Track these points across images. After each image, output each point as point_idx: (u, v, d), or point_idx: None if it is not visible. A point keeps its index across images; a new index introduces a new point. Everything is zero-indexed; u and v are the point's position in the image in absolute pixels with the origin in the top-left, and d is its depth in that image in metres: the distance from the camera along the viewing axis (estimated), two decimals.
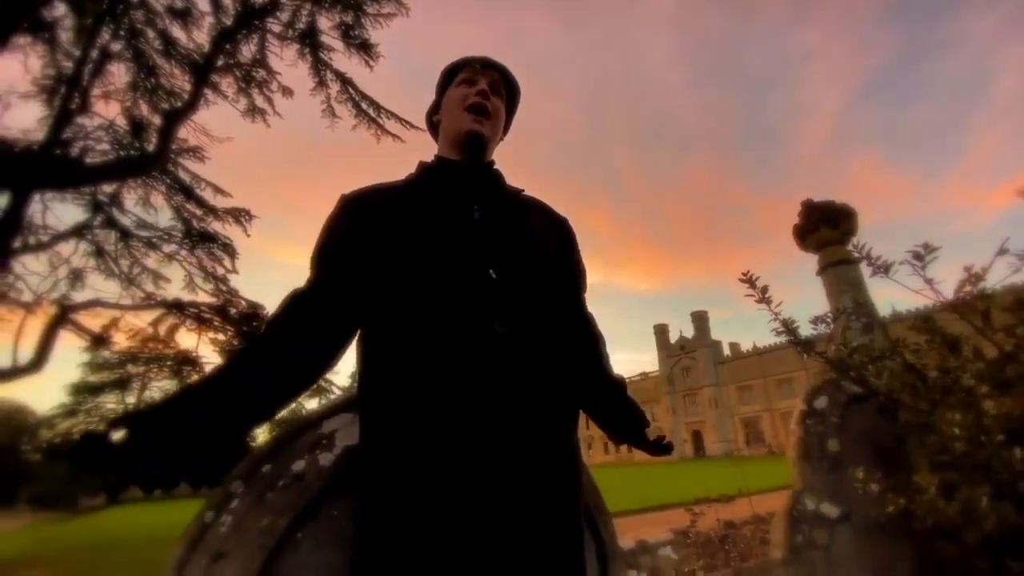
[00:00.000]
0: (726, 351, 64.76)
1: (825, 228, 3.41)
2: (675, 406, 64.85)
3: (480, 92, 1.10)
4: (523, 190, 1.22)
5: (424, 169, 1.13)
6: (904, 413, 2.30)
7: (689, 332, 66.52)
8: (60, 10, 9.37)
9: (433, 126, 1.21)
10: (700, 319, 64.78)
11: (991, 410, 1.77)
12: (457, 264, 0.95)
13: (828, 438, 2.24)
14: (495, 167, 1.19)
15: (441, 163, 1.13)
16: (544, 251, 1.07)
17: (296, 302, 0.95)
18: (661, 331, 70.38)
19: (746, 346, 63.87)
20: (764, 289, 2.22)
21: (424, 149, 1.24)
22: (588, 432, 75.43)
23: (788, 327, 2.27)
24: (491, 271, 0.95)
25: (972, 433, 1.64)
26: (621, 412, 1.13)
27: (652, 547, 5.34)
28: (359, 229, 1.00)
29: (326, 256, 1.00)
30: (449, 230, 0.99)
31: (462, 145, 1.11)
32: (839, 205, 3.42)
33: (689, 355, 64.68)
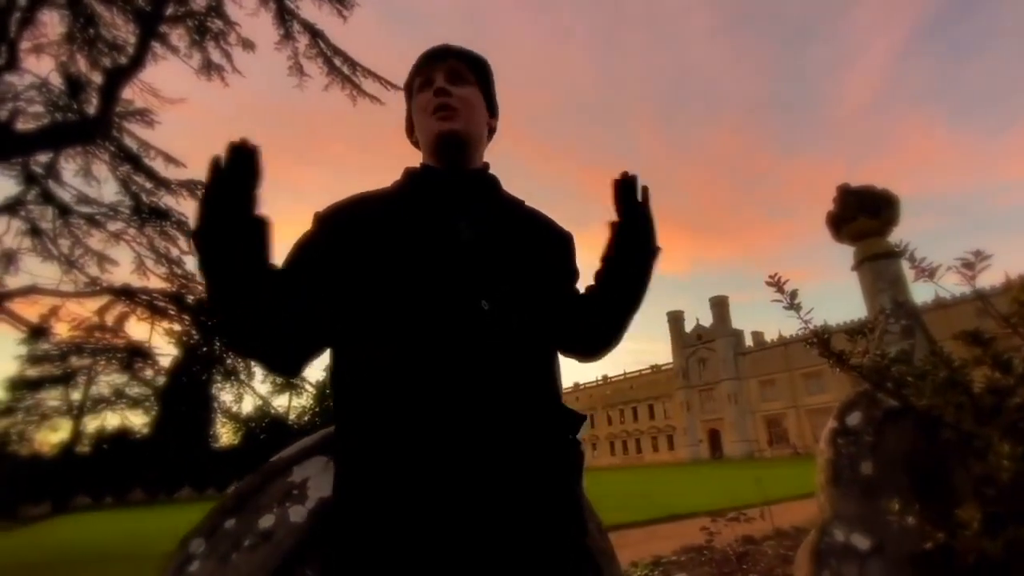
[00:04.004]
0: (748, 341, 65.29)
1: (863, 217, 3.41)
2: (690, 402, 65.70)
3: (438, 90, 1.08)
4: (522, 201, 1.21)
5: (409, 177, 1.12)
6: (946, 432, 2.33)
7: (707, 320, 67.07)
8: None
9: (416, 144, 1.20)
10: (719, 305, 65.23)
11: None
12: (445, 294, 0.94)
13: (861, 460, 2.28)
14: (489, 172, 1.18)
15: (426, 170, 1.12)
16: (541, 275, 1.07)
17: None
18: (675, 319, 70.81)
19: (771, 335, 64.42)
20: (793, 294, 2.23)
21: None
22: (593, 432, 76.46)
23: (820, 338, 2.29)
24: (483, 302, 0.95)
25: (1021, 466, 1.66)
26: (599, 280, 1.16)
27: (664, 564, 5.45)
28: (333, 245, 0.99)
29: (291, 271, 0.99)
30: (435, 253, 0.98)
31: (438, 151, 1.10)
32: (879, 191, 3.42)
33: (707, 345, 65.28)
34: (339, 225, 1.02)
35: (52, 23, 10.20)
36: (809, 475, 2.94)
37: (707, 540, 5.01)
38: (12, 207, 12.10)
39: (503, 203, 1.15)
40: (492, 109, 1.20)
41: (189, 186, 13.14)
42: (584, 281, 1.20)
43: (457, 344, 0.91)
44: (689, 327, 69.04)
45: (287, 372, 0.99)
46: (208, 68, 11.41)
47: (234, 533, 1.01)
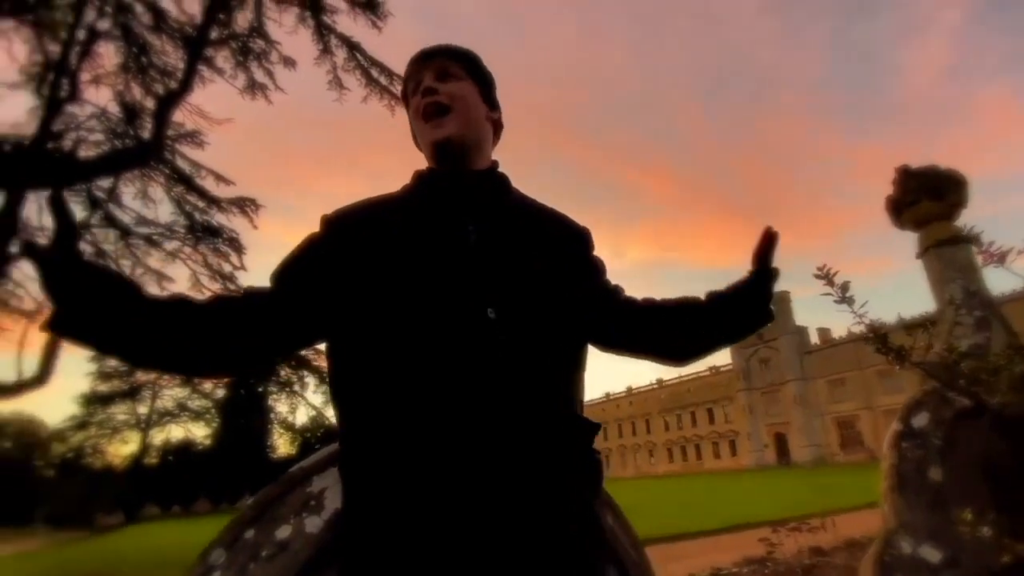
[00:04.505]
0: (813, 338, 62.59)
1: (927, 200, 3.21)
2: (752, 405, 63.46)
3: (425, 90, 1.08)
4: (533, 200, 1.19)
5: (417, 180, 1.13)
6: None
7: None
8: None
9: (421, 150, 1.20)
10: (781, 301, 62.59)
11: None
12: (449, 301, 0.94)
13: (929, 465, 2.13)
14: (497, 172, 1.17)
15: (433, 174, 1.12)
16: (553, 279, 1.04)
17: (249, 296, 0.98)
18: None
19: (838, 332, 61.47)
20: (844, 286, 2.12)
21: None
22: (649, 438, 75.02)
23: (876, 332, 2.16)
24: (489, 310, 0.93)
25: None
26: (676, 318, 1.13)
27: None
28: (337, 249, 1.00)
29: (290, 270, 1.01)
30: (440, 258, 0.98)
31: (436, 160, 1.10)
32: (943, 171, 3.21)
33: (768, 344, 62.95)
34: (345, 229, 1.03)
35: (108, 55, 10.90)
36: None
37: (768, 551, 4.81)
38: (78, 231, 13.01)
39: (513, 204, 1.14)
40: (491, 103, 1.19)
41: (239, 203, 13.81)
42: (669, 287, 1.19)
43: (460, 354, 0.89)
44: None
45: (234, 375, 1.00)
46: (252, 87, 11.94)
47: (253, 544, 1.04)
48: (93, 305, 0.78)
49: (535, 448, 0.88)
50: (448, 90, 1.09)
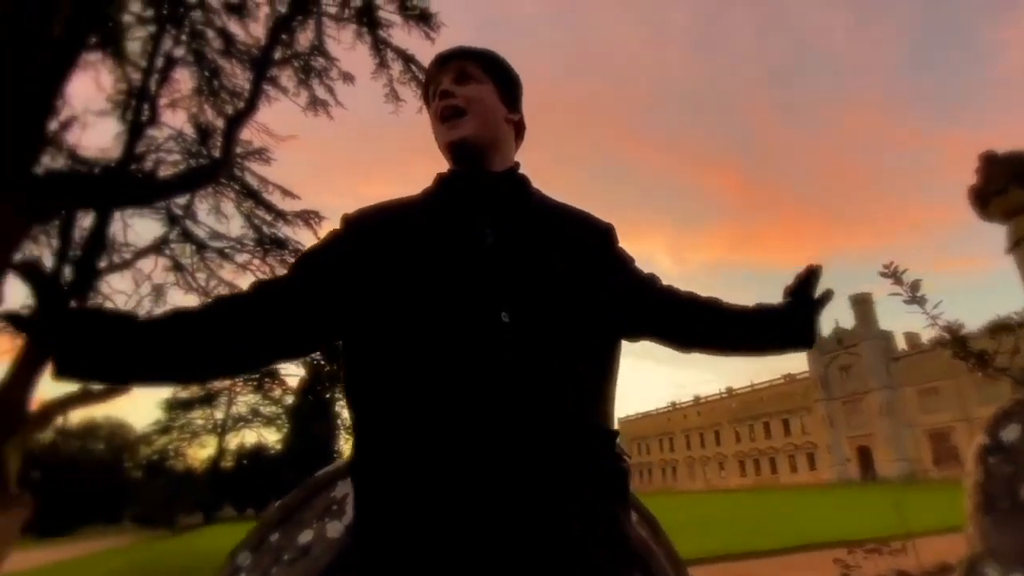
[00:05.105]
0: (900, 344, 58.54)
1: (1015, 188, 2.94)
2: (832, 416, 59.97)
3: (442, 93, 1.09)
4: (555, 200, 1.17)
5: (438, 182, 1.13)
6: None
7: (847, 321, 61.07)
8: (126, 20, 10.72)
9: None
10: (862, 303, 59.07)
11: None
12: (461, 304, 0.93)
13: (1019, 483, 1.93)
14: (517, 173, 1.16)
15: (454, 175, 1.12)
16: (574, 281, 1.02)
17: (259, 290, 0.99)
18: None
19: (928, 336, 57.30)
20: (915, 285, 1.96)
21: None
22: (719, 450, 72.34)
23: (954, 335, 1.99)
24: (503, 313, 0.92)
25: None
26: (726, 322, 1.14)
27: None
28: (354, 250, 1.01)
29: (309, 261, 1.04)
30: (455, 260, 0.97)
31: (453, 161, 1.11)
32: None
33: (849, 350, 59.41)
34: (364, 229, 1.05)
35: (183, 79, 11.72)
36: None
37: (842, 574, 4.52)
38: (159, 246, 14.01)
39: (533, 205, 1.13)
40: (512, 104, 1.18)
41: (303, 216, 14.48)
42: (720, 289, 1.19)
43: (470, 358, 0.89)
44: (827, 330, 63.20)
45: (261, 363, 1.02)
46: (314, 104, 12.52)
47: (276, 547, 1.06)
48: (85, 347, 0.82)
49: (545, 455, 0.86)
50: (465, 93, 1.10)
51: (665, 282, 1.20)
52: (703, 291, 1.19)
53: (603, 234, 1.17)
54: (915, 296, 1.96)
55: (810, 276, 1.07)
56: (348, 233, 1.06)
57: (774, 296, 1.16)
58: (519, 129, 1.22)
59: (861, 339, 58.31)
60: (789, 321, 1.09)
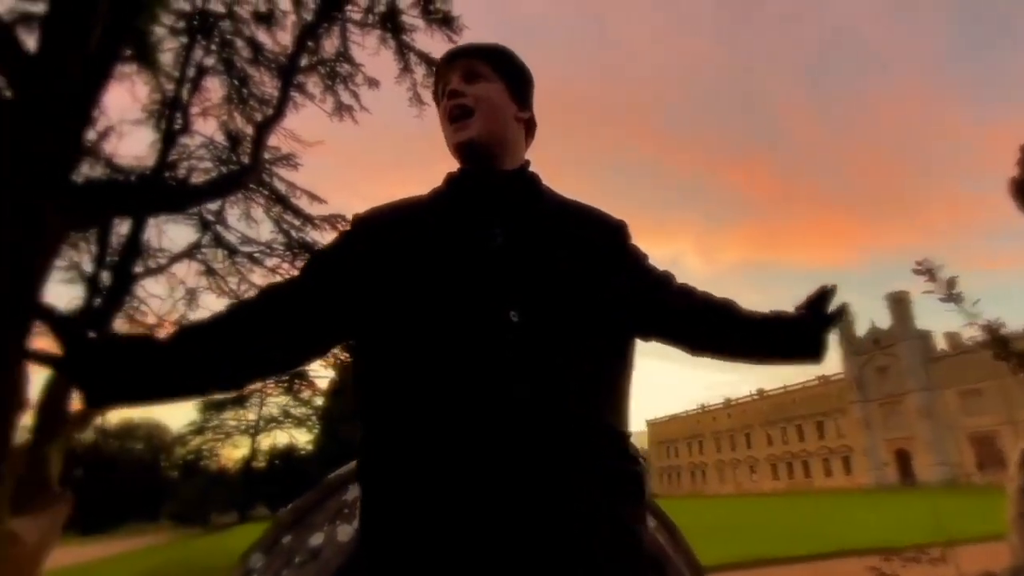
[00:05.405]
0: (940, 344, 56.55)
1: None
2: (869, 418, 58.30)
3: (450, 92, 1.09)
4: (568, 199, 1.16)
5: (448, 182, 1.13)
6: None
7: (883, 320, 59.30)
8: (159, 32, 11.05)
9: None
10: (899, 302, 57.26)
11: None
12: (470, 304, 0.92)
13: None
14: (528, 172, 1.15)
15: (461, 175, 1.12)
16: (581, 281, 1.00)
17: (267, 294, 1.03)
18: (845, 320, 63.39)
19: (969, 335, 55.22)
20: (951, 282, 1.88)
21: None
22: (750, 453, 70.99)
23: (994, 334, 1.90)
24: (511, 313, 0.91)
25: None
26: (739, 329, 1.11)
27: None
28: (364, 250, 1.02)
29: (320, 261, 1.07)
30: (464, 260, 0.97)
31: (461, 160, 1.11)
32: None
33: (886, 351, 57.70)
34: (374, 229, 1.05)
35: (214, 88, 12.01)
36: None
37: None
38: (192, 252, 14.39)
39: (543, 204, 1.12)
40: (522, 101, 1.17)
41: (330, 220, 14.69)
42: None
43: (479, 357, 0.88)
44: (862, 330, 61.48)
45: (281, 368, 1.05)
46: (340, 109, 12.72)
47: (288, 549, 1.06)
48: (108, 377, 0.87)
49: (551, 455, 0.85)
50: (473, 92, 1.09)
51: (692, 284, 1.17)
52: (734, 291, 1.16)
53: (614, 232, 1.15)
54: (951, 294, 1.89)
55: (824, 293, 1.06)
56: (358, 233, 1.06)
57: (806, 295, 1.12)
58: (530, 127, 1.20)
59: (898, 339, 56.60)
60: (799, 331, 1.07)
